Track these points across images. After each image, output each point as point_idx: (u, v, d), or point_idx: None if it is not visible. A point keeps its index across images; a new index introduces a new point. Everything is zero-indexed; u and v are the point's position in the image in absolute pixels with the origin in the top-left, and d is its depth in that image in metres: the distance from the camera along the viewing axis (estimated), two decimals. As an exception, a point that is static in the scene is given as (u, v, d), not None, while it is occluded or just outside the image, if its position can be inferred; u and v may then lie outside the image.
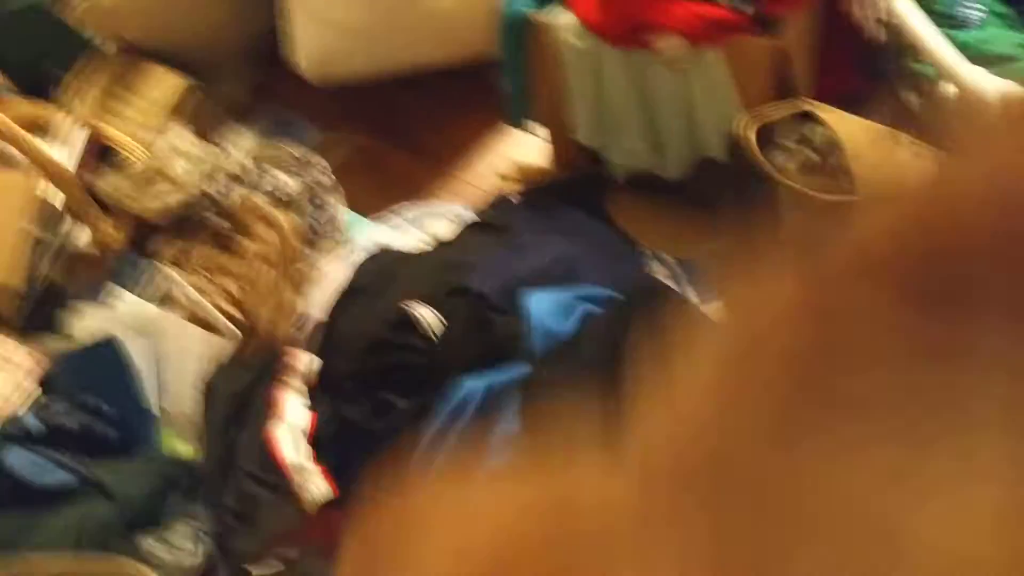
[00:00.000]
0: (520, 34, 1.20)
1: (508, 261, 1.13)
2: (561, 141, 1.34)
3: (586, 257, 1.16)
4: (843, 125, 0.89)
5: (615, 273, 1.15)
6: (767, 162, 0.89)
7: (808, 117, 0.96)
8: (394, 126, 1.53)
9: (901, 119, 1.35)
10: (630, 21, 1.11)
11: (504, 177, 1.40)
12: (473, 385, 0.95)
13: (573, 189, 1.33)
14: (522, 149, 1.43)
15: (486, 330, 0.99)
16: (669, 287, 1.06)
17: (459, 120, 1.52)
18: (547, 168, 1.40)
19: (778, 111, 0.94)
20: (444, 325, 0.99)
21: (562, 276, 1.10)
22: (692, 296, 1.18)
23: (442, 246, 1.23)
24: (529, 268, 1.11)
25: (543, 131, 1.37)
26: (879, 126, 0.97)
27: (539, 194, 1.32)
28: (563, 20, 1.17)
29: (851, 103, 1.41)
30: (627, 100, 1.20)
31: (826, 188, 0.90)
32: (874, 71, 1.37)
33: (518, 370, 0.94)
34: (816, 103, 0.93)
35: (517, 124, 1.33)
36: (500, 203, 1.33)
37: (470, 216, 1.31)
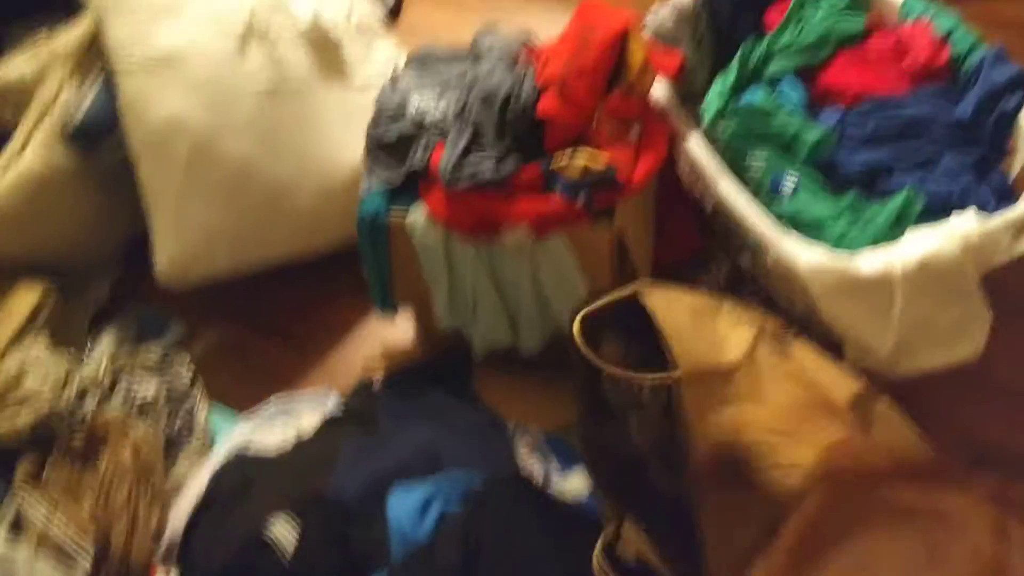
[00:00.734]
0: (376, 231, 1.26)
1: (369, 457, 1.14)
2: (426, 324, 1.39)
3: (451, 441, 1.18)
4: (666, 307, 0.96)
5: (481, 454, 1.17)
6: (591, 352, 0.94)
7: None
8: (262, 315, 1.55)
9: (736, 279, 1.47)
10: (477, 218, 1.18)
11: (370, 362, 1.43)
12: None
13: (439, 370, 1.37)
14: (391, 332, 1.47)
15: (343, 542, 1.00)
16: (529, 473, 1.08)
17: (328, 305, 1.55)
18: (414, 350, 1.44)
19: (609, 297, 1.01)
20: (300, 539, 0.99)
21: (425, 466, 1.12)
22: (555, 469, 1.22)
23: (303, 445, 1.23)
24: (391, 462, 1.12)
25: (410, 314, 1.42)
26: (703, 300, 1.05)
27: (404, 378, 1.36)
28: (416, 217, 1.23)
29: (696, 264, 1.52)
30: (481, 286, 1.26)
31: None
32: (713, 231, 1.49)
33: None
34: (644, 285, 1.00)
35: (384, 310, 1.37)
36: (364, 390, 1.35)
37: (335, 406, 1.33)
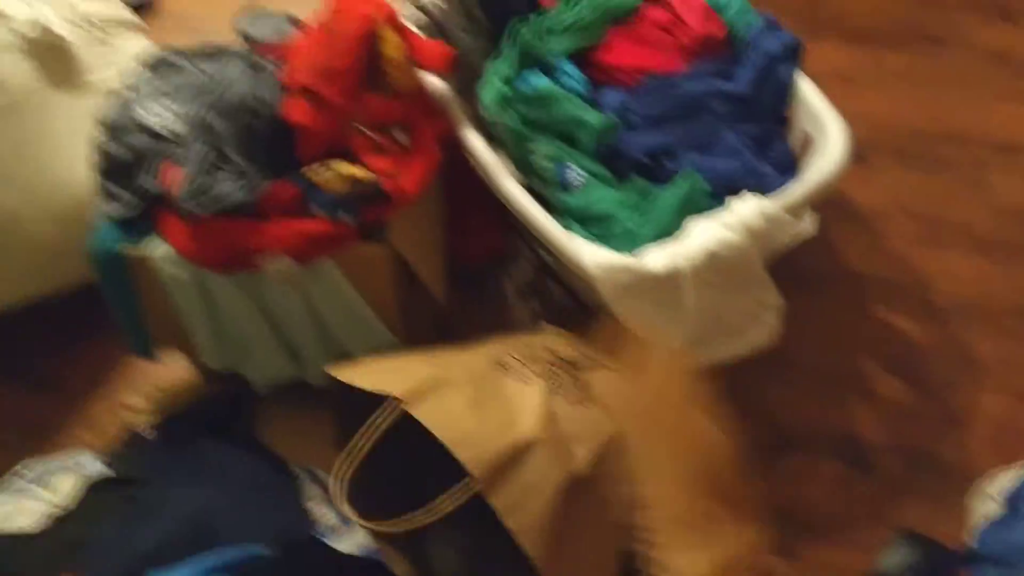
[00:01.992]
0: (114, 268, 1.09)
1: (132, 532, 1.00)
2: (198, 361, 1.24)
3: (227, 505, 1.05)
4: (440, 412, 0.84)
5: (262, 517, 1.05)
6: (366, 522, 0.84)
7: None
8: (12, 361, 1.34)
9: (543, 272, 1.40)
10: (227, 250, 1.04)
11: (135, 409, 1.26)
12: None
13: (214, 412, 1.22)
14: (160, 371, 1.30)
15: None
16: (323, 524, 0.97)
17: (86, 344, 1.36)
18: (189, 389, 1.28)
19: (372, 435, 0.91)
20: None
21: (196, 540, 0.98)
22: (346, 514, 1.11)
23: (59, 519, 1.07)
24: (156, 538, 0.98)
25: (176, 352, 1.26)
26: (481, 367, 0.95)
27: (176, 426, 1.20)
28: (159, 251, 1.07)
29: (503, 261, 1.44)
30: (248, 319, 1.12)
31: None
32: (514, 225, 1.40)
33: None
34: (408, 396, 0.88)
35: (143, 354, 1.21)
36: (131, 445, 1.19)
37: (96, 468, 1.16)
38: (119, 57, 1.46)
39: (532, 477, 0.82)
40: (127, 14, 1.54)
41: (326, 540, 1.01)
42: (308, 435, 1.17)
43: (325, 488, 1.13)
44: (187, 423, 1.20)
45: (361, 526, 0.84)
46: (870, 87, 1.62)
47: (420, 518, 0.87)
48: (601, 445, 0.89)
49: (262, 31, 1.26)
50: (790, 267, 1.11)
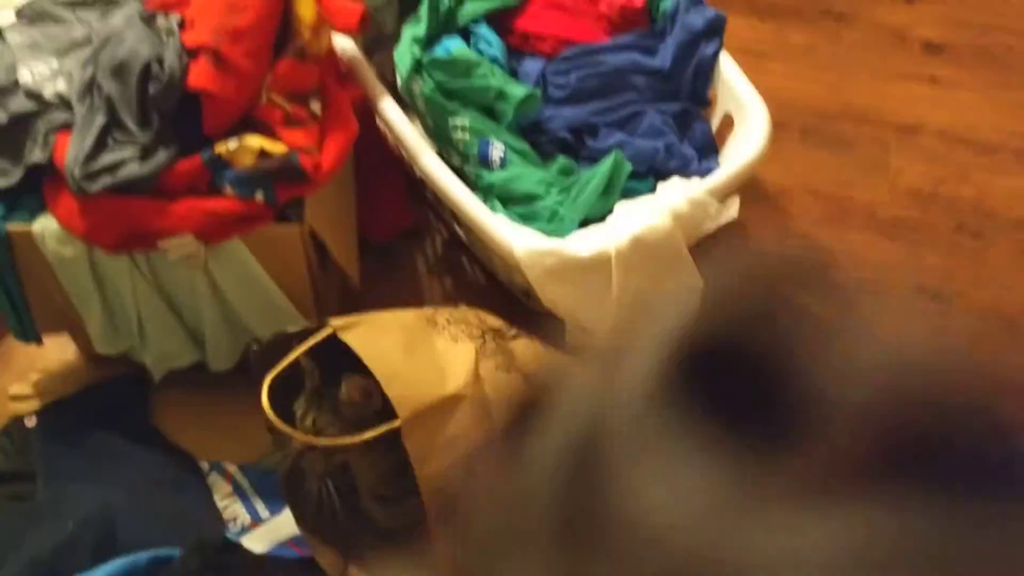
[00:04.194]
0: (-7, 246, 0.98)
1: (25, 535, 0.91)
2: (86, 345, 1.14)
3: (127, 504, 0.97)
4: (372, 344, 0.81)
5: (166, 517, 0.98)
6: (285, 425, 0.78)
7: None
8: None
9: (453, 245, 1.35)
10: (123, 230, 0.95)
11: (18, 397, 1.15)
12: None
13: (107, 399, 1.13)
14: (45, 353, 1.19)
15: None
16: (232, 541, 0.91)
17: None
18: (77, 374, 1.18)
19: (300, 348, 0.85)
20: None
21: (97, 544, 0.91)
22: (261, 508, 1.05)
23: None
24: (53, 542, 0.90)
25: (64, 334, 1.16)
26: (414, 320, 0.92)
27: (64, 415, 1.10)
28: (45, 227, 0.97)
29: (413, 235, 1.38)
30: (145, 303, 1.03)
31: (359, 421, 0.82)
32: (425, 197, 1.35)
33: None
34: (340, 323, 0.85)
35: (26, 338, 1.10)
36: (15, 436, 1.09)
37: (-24, 463, 1.06)
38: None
39: (454, 431, 0.80)
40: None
41: (240, 540, 0.95)
42: (212, 426, 1.11)
43: (235, 483, 1.07)
44: (77, 412, 1.11)
45: (284, 432, 0.78)
46: (776, 62, 1.63)
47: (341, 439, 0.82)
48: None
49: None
50: (703, 246, 1.11)
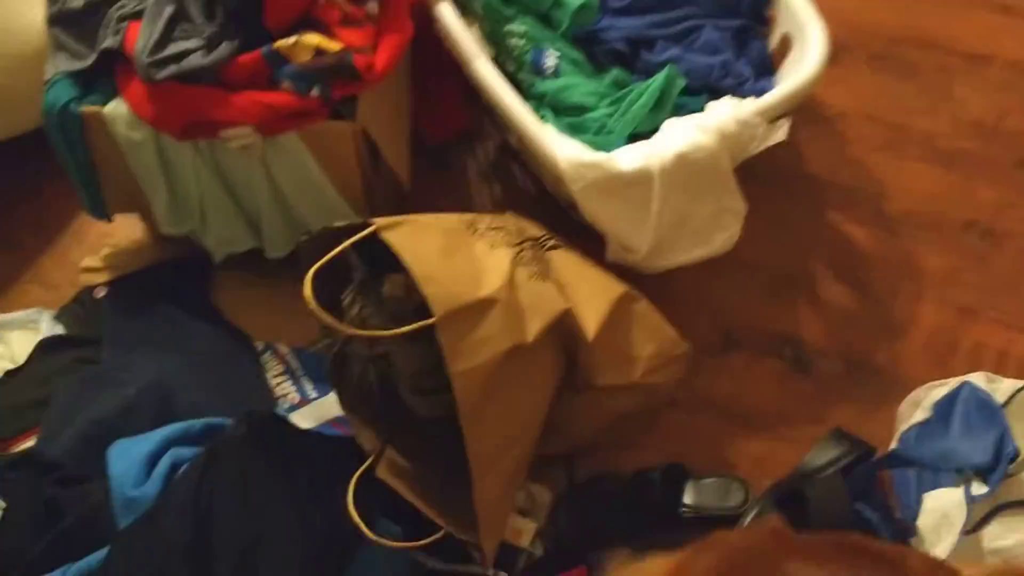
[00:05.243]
0: (68, 125, 1.04)
1: (84, 400, 1.00)
2: (153, 224, 1.21)
3: (186, 374, 1.05)
4: (413, 245, 0.85)
5: (222, 387, 1.06)
6: (329, 316, 0.83)
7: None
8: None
9: (506, 154, 1.38)
10: (187, 117, 1.00)
11: (90, 269, 1.23)
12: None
13: (171, 276, 1.20)
14: (114, 228, 1.26)
15: (54, 511, 0.87)
16: (280, 416, 0.98)
17: (35, 198, 1.32)
18: (143, 250, 1.26)
19: (345, 243, 0.88)
20: (3, 510, 0.86)
21: (154, 409, 0.99)
22: (309, 388, 1.13)
23: (10, 378, 1.06)
24: (113, 406, 0.98)
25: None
26: (454, 223, 0.95)
27: (130, 288, 1.18)
28: (117, 110, 1.02)
29: (467, 140, 1.41)
30: (207, 188, 1.09)
31: (402, 315, 0.87)
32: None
33: (96, 557, 0.83)
34: (384, 223, 0.88)
35: (97, 215, 1.17)
36: (84, 305, 1.17)
37: (49, 325, 1.15)
38: None
39: (485, 333, 0.83)
40: None
41: (288, 417, 1.03)
42: (268, 309, 1.17)
43: (287, 364, 1.14)
44: (143, 287, 1.19)
45: (321, 320, 0.83)
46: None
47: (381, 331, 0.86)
48: (552, 321, 0.91)
49: None
50: (750, 165, 1.11)
